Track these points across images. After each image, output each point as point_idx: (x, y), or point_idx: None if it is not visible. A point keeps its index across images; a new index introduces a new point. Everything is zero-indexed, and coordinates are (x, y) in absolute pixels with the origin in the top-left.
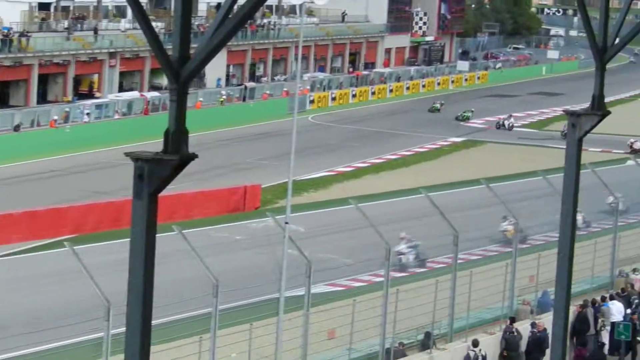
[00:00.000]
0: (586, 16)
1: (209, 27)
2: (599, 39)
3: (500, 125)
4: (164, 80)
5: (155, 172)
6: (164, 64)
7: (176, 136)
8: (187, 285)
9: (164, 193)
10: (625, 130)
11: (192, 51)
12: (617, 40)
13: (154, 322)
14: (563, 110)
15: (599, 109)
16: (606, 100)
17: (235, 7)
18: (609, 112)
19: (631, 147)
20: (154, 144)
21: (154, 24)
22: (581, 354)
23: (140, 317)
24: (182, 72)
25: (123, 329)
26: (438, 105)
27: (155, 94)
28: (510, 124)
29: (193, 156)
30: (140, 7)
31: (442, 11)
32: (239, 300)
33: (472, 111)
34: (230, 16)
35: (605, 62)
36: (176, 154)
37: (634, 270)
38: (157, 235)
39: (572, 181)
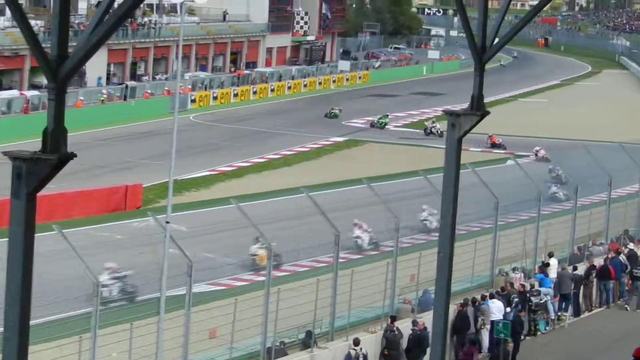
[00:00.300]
0: (465, 17)
1: (88, 25)
2: (478, 40)
3: (429, 132)
4: (44, 79)
5: (34, 171)
6: (41, 63)
7: (55, 135)
8: (67, 285)
9: (44, 192)
10: (505, 130)
11: (71, 50)
12: (496, 41)
13: (33, 321)
14: (443, 110)
15: (479, 109)
16: (486, 100)
17: (115, 5)
18: (488, 112)
19: (536, 154)
20: (34, 143)
21: (33, 22)
22: (470, 352)
23: (18, 317)
24: (60, 70)
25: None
26: (337, 111)
27: (35, 92)
28: (437, 129)
29: (72, 155)
30: (18, 5)
31: (323, 11)
32: (120, 300)
33: (387, 115)
34: (108, 15)
35: (485, 62)
36: (55, 153)
37: (514, 269)
38: (36, 234)
39: (451, 181)
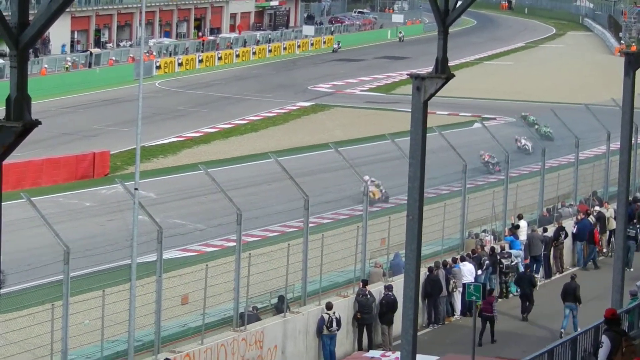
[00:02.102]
0: None
1: None
2: (441, 3)
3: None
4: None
5: None
6: (2, 31)
7: (18, 103)
8: (37, 253)
9: (11, 160)
10: (471, 93)
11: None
12: (458, 4)
13: (5, 290)
14: (407, 74)
15: (443, 72)
16: (452, 63)
17: None
18: (453, 75)
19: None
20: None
21: None
22: (489, 301)
23: None
24: (21, 38)
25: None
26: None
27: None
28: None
29: (36, 123)
30: None
31: None
32: (91, 267)
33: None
34: None
35: (448, 25)
36: (19, 120)
37: (483, 231)
38: (5, 203)
39: (418, 144)
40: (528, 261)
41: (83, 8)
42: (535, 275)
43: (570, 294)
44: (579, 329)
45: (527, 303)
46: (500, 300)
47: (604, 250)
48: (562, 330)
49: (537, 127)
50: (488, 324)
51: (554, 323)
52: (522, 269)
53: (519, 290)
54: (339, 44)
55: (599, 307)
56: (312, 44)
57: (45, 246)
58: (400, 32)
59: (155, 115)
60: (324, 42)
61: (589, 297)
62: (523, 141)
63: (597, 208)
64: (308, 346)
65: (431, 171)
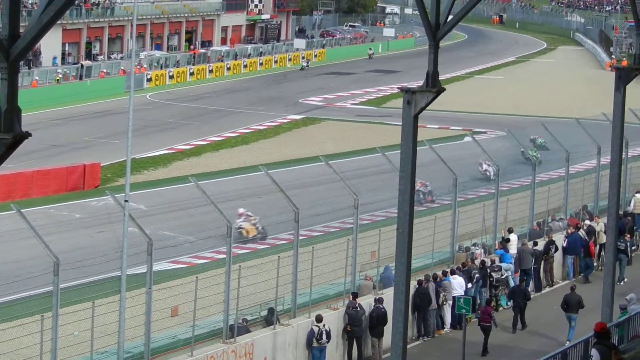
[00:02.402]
0: None
1: (39, 5)
2: (432, 17)
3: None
4: None
5: None
6: None
7: (8, 114)
8: (27, 264)
9: (1, 172)
10: (462, 107)
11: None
12: (449, 18)
13: None
14: (398, 87)
15: (434, 86)
16: (443, 77)
17: None
18: (443, 89)
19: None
20: None
21: None
22: (487, 311)
23: None
24: (12, 50)
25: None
26: (304, 63)
27: None
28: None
29: (26, 135)
30: None
31: None
32: (81, 279)
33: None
34: None
35: (438, 39)
36: (9, 132)
37: (474, 244)
38: None
39: (409, 158)
40: (518, 275)
41: (74, 20)
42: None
43: (574, 305)
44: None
45: (520, 316)
46: None
47: (595, 264)
48: (568, 341)
49: (532, 137)
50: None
51: (545, 336)
52: (512, 283)
53: (510, 303)
54: (307, 62)
55: (588, 321)
56: (303, 57)
57: (35, 257)
58: (370, 49)
59: (146, 127)
60: (315, 56)
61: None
62: (485, 166)
63: (587, 222)
64: (298, 358)
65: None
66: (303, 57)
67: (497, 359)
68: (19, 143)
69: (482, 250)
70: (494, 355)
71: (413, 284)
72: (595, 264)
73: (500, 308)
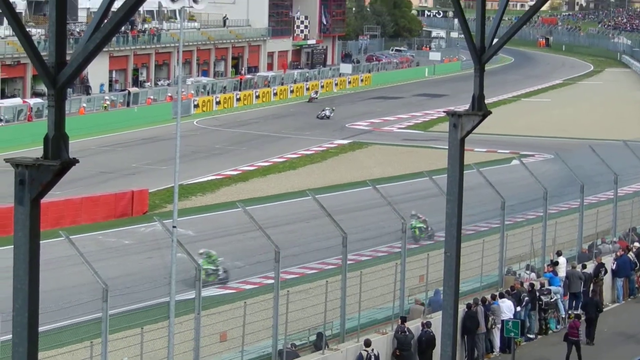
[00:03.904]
0: (463, 18)
1: (85, 32)
2: (477, 40)
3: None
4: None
5: (36, 177)
6: (40, 70)
7: (56, 141)
8: (76, 291)
9: (51, 198)
10: (509, 130)
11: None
12: (494, 41)
13: (44, 327)
14: (444, 111)
15: (480, 109)
16: (489, 100)
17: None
18: (489, 112)
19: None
20: (38, 151)
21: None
22: (576, 325)
23: (26, 323)
24: (59, 77)
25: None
26: (328, 112)
27: (38, 100)
28: (325, 115)
29: (74, 161)
30: (14, 13)
31: (323, 15)
32: (129, 305)
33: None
34: (105, 21)
35: (484, 62)
36: (56, 159)
37: (527, 266)
38: (44, 241)
39: (455, 181)
40: (567, 298)
41: (121, 48)
42: (575, 312)
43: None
44: None
45: (590, 328)
46: (539, 337)
47: None
48: None
49: (413, 213)
50: (574, 348)
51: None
52: (561, 306)
53: (584, 313)
54: (316, 93)
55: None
56: (349, 82)
57: (84, 284)
58: (315, 92)
59: (193, 153)
60: (362, 80)
61: (629, 332)
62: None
63: (636, 244)
64: None
65: (469, 208)
66: (308, 89)
67: None
68: (67, 170)
69: (535, 275)
70: None
71: (462, 308)
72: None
73: (550, 331)
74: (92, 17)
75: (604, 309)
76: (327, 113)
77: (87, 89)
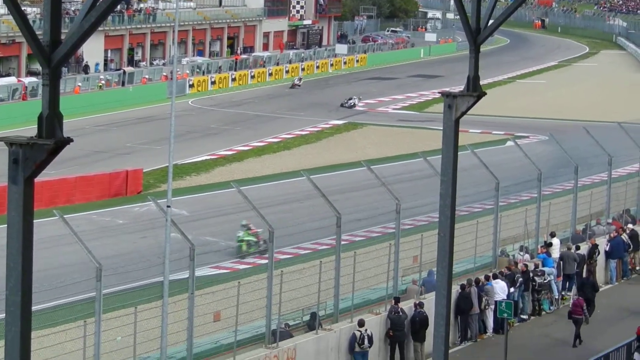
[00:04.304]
0: None
1: (80, 11)
2: (472, 21)
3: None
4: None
5: (30, 156)
6: (35, 49)
7: (50, 120)
8: (70, 270)
9: (45, 178)
10: (504, 111)
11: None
12: (490, 22)
13: (37, 307)
14: (439, 92)
15: (475, 90)
16: (484, 82)
17: None
18: (484, 93)
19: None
20: (33, 130)
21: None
22: (580, 303)
23: (20, 302)
24: (53, 56)
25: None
26: (356, 101)
27: (33, 79)
28: (353, 103)
29: (68, 140)
30: None
31: None
32: (123, 285)
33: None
34: (100, 0)
35: (479, 43)
36: (51, 138)
37: (520, 247)
38: (38, 220)
39: (450, 162)
40: (561, 279)
41: (116, 27)
42: (568, 293)
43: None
44: None
45: (589, 307)
46: (532, 317)
47: (637, 267)
48: None
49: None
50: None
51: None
52: (554, 287)
53: (578, 295)
54: (300, 80)
55: (632, 325)
56: (345, 63)
57: (78, 263)
58: (299, 79)
59: (188, 133)
60: (357, 61)
61: (622, 314)
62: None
63: (630, 225)
64: None
65: (463, 189)
66: (287, 71)
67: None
68: (61, 149)
69: (529, 256)
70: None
71: (455, 289)
72: (638, 267)
73: (543, 312)
74: None
75: (598, 290)
76: (356, 102)
77: (85, 69)
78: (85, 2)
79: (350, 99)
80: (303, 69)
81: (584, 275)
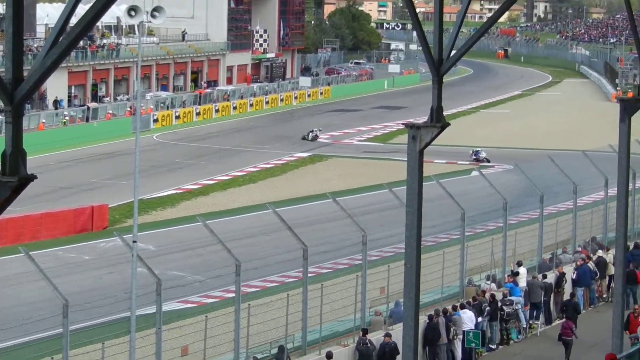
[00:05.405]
0: (421, 30)
1: (42, 48)
2: (435, 52)
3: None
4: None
5: None
6: None
7: (13, 157)
8: (36, 307)
9: (9, 215)
10: (469, 141)
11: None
12: (452, 53)
13: (4, 344)
14: (403, 123)
15: (438, 121)
16: (449, 112)
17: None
18: (448, 124)
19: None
20: None
21: None
22: (569, 325)
23: None
24: (16, 94)
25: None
26: (318, 133)
27: None
28: (315, 135)
29: (32, 177)
30: None
31: (282, 28)
32: (90, 320)
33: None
34: (62, 37)
35: (442, 74)
36: (14, 175)
37: (487, 277)
38: (4, 257)
39: (415, 193)
40: (528, 308)
41: (80, 63)
42: (536, 322)
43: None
44: None
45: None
46: (501, 347)
47: (604, 295)
48: None
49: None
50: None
51: None
52: (522, 316)
53: (563, 316)
54: (319, 131)
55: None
56: (309, 95)
57: (44, 300)
58: (318, 130)
59: (153, 168)
60: (321, 93)
61: (590, 342)
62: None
63: (600, 252)
64: None
65: (429, 220)
66: (267, 102)
67: None
68: (25, 186)
69: (496, 285)
70: None
71: (423, 319)
72: (604, 295)
73: (511, 341)
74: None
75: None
76: (317, 133)
77: (56, 104)
78: (47, 39)
79: (311, 131)
80: (267, 102)
81: (550, 304)
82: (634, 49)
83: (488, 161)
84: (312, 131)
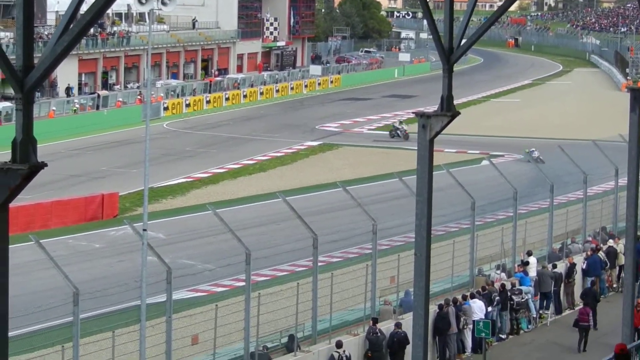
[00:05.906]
0: (431, 19)
1: (52, 35)
2: (445, 41)
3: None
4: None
5: (4, 182)
6: (7, 74)
7: (24, 145)
8: (47, 295)
9: (20, 203)
10: (479, 131)
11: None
12: (463, 42)
13: (14, 332)
14: (413, 112)
15: (449, 110)
16: (459, 101)
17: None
18: (458, 113)
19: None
20: (7, 155)
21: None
22: (586, 311)
23: None
24: (26, 81)
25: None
26: (405, 127)
27: (7, 104)
28: (404, 130)
29: (42, 165)
30: None
31: (292, 17)
32: (101, 309)
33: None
34: (72, 24)
35: (452, 63)
36: (25, 163)
37: (497, 267)
38: (14, 245)
39: (425, 182)
40: (538, 298)
41: (90, 51)
42: (546, 312)
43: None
44: None
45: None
46: (511, 337)
47: (614, 285)
48: None
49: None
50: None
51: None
52: (532, 306)
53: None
54: (401, 124)
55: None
56: (319, 84)
57: (55, 288)
58: (400, 123)
59: (163, 156)
60: (331, 82)
61: (600, 332)
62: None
63: (610, 242)
64: None
65: (439, 209)
66: (262, 93)
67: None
68: (35, 174)
69: (506, 275)
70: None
71: (433, 309)
72: (615, 285)
73: (522, 331)
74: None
75: (575, 308)
76: (404, 127)
77: (68, 91)
78: (58, 26)
79: (397, 129)
80: (277, 91)
81: (560, 294)
82: None
83: (542, 162)
84: (397, 129)
